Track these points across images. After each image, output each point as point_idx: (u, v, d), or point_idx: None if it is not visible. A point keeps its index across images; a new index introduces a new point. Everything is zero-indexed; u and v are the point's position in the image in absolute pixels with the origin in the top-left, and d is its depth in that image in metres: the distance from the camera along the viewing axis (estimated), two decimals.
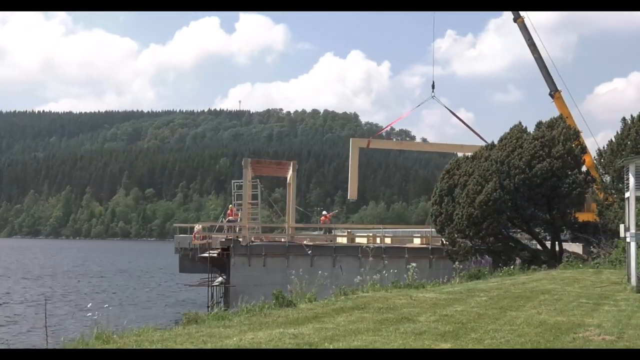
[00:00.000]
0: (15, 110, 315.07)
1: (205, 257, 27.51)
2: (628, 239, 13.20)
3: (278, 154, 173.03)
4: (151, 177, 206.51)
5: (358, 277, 13.25)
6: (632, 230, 12.87)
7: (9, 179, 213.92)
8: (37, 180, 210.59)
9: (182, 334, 7.52)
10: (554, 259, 22.72)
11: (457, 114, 40.48)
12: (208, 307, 26.23)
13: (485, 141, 35.26)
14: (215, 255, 27.51)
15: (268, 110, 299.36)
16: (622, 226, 13.91)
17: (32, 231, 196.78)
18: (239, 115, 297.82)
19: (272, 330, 7.77)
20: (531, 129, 25.64)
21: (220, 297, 29.07)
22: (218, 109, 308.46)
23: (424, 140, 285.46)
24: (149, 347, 6.83)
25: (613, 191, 22.93)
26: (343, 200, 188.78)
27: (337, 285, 12.37)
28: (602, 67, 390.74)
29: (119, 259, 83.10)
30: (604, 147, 24.01)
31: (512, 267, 18.99)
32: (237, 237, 27.52)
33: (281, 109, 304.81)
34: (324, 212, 37.34)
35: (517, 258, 21.38)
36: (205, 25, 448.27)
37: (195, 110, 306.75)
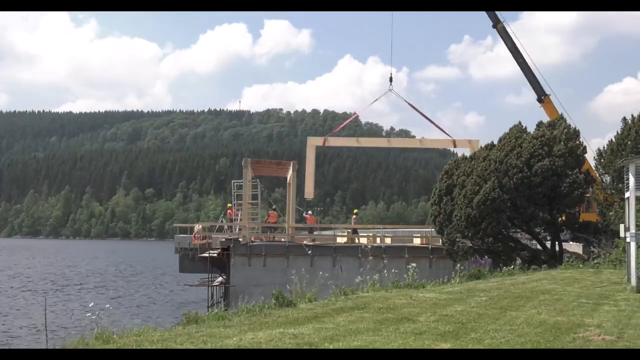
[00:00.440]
0: (15, 110, 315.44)
1: (205, 257, 27.49)
2: (628, 239, 13.19)
3: (278, 154, 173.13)
4: (151, 177, 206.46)
5: (358, 277, 13.26)
6: (632, 230, 12.87)
7: (9, 179, 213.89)
8: (37, 180, 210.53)
9: (182, 334, 7.52)
10: (554, 259, 22.71)
11: (418, 109, 40.22)
12: (208, 307, 26.21)
13: (450, 136, 35.48)
14: (215, 255, 27.50)
15: (268, 110, 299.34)
16: (622, 226, 13.91)
17: (32, 231, 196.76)
18: (239, 115, 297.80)
19: (272, 330, 7.77)
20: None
21: (220, 297, 29.05)
22: (218, 109, 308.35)
23: (424, 140, 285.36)
24: (149, 347, 6.83)
25: (613, 191, 22.92)
26: (343, 201, 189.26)
27: (337, 285, 12.37)
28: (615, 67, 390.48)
29: (119, 259, 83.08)
30: (604, 147, 24.01)
31: (512, 267, 18.99)
32: (237, 237, 27.52)
33: (281, 109, 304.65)
34: (309, 212, 37.39)
35: (517, 258, 21.39)
36: (230, 30, 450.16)
37: (195, 110, 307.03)
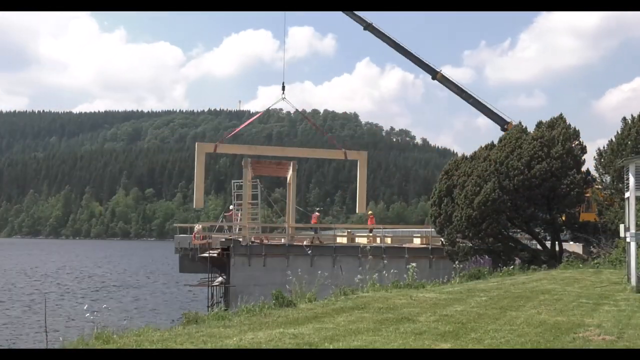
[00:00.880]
0: (15, 110, 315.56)
1: (205, 257, 27.49)
2: (628, 239, 13.20)
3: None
4: (151, 177, 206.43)
5: (358, 276, 13.26)
6: (632, 230, 12.87)
7: (9, 179, 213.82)
8: (37, 180, 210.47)
9: (182, 334, 7.52)
10: (554, 259, 22.72)
11: (308, 117, 40.96)
12: (208, 307, 26.22)
13: (341, 149, 35.59)
14: (215, 255, 27.50)
15: (268, 110, 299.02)
16: (622, 226, 13.91)
17: (32, 231, 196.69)
18: (239, 115, 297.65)
19: (272, 330, 7.77)
20: None
21: (220, 297, 29.05)
22: (218, 109, 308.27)
23: (424, 140, 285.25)
24: (149, 347, 6.83)
25: (613, 191, 22.93)
26: (343, 201, 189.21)
27: (337, 285, 12.36)
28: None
29: (119, 258, 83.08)
30: (604, 147, 24.02)
31: (512, 267, 19.00)
32: (238, 237, 27.53)
33: (281, 109, 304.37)
34: (317, 211, 37.35)
35: (517, 258, 21.38)
36: (255, 36, 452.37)
37: (195, 110, 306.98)
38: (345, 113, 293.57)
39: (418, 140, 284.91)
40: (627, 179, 13.44)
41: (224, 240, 27.80)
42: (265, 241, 28.66)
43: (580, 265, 19.88)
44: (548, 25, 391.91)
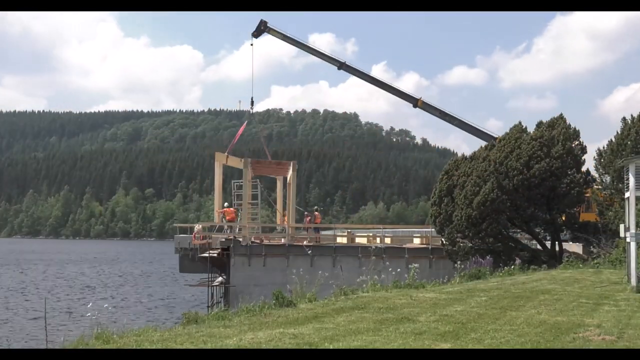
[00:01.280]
0: (15, 110, 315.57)
1: (205, 257, 27.47)
2: (628, 239, 13.20)
3: (278, 154, 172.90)
4: (151, 177, 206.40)
5: (360, 277, 13.26)
6: (632, 230, 12.88)
7: (9, 179, 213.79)
8: (37, 180, 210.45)
9: (182, 334, 7.52)
10: (554, 259, 22.73)
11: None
12: (208, 307, 26.22)
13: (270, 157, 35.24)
14: (215, 255, 27.49)
15: (268, 110, 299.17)
16: (622, 226, 13.92)
17: (31, 231, 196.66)
18: (239, 115, 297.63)
19: (272, 330, 7.77)
20: None
21: (220, 297, 29.04)
22: (218, 109, 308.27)
23: (424, 140, 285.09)
24: (149, 347, 6.84)
25: (613, 191, 22.94)
26: (343, 201, 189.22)
27: (337, 285, 12.36)
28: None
29: (119, 258, 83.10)
30: (604, 147, 24.03)
31: (512, 267, 19.00)
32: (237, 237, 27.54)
33: (281, 109, 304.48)
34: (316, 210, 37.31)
35: (517, 258, 21.39)
36: (273, 40, 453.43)
37: (195, 110, 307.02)
38: (345, 113, 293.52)
39: (418, 140, 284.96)
40: (627, 179, 13.45)
41: (224, 240, 27.80)
42: (265, 241, 28.66)
43: (580, 265, 19.89)
44: (563, 28, 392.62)
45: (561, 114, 25.79)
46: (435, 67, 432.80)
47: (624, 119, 23.71)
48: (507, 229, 24.76)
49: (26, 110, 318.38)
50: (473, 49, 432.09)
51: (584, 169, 24.97)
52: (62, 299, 36.56)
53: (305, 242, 28.18)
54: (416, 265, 15.27)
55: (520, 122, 26.01)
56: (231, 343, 6.97)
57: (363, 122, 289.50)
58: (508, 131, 26.02)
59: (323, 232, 33.80)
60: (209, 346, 6.84)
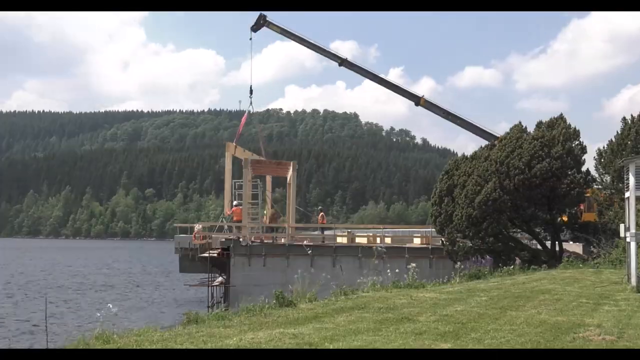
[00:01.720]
0: (15, 111, 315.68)
1: (205, 257, 27.49)
2: (628, 239, 13.20)
3: (278, 154, 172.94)
4: (151, 177, 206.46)
5: (361, 277, 13.26)
6: (632, 230, 12.88)
7: (9, 179, 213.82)
8: (37, 180, 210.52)
9: (182, 334, 7.52)
10: (554, 258, 22.72)
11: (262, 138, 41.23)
12: (208, 307, 26.22)
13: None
14: (215, 255, 27.50)
15: (268, 110, 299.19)
16: (622, 226, 13.92)
17: (32, 231, 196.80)
18: (239, 115, 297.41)
19: (272, 330, 7.77)
20: None
21: (220, 297, 29.05)
22: (218, 109, 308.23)
23: (424, 140, 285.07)
24: (149, 347, 6.84)
25: (613, 191, 22.94)
26: (343, 201, 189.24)
27: (338, 285, 12.36)
28: None
29: (119, 258, 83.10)
30: (604, 147, 24.04)
31: (512, 267, 19.00)
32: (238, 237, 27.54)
33: (281, 109, 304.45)
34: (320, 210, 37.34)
35: (517, 258, 21.40)
36: (297, 47, 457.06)
37: (195, 110, 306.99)
38: (345, 113, 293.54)
39: (418, 140, 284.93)
40: (627, 179, 13.45)
41: (224, 240, 27.81)
42: (266, 240, 28.66)
43: (581, 265, 19.89)
44: (579, 31, 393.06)
45: (561, 114, 25.79)
46: (447, 69, 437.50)
47: (624, 118, 23.72)
48: (507, 229, 24.76)
49: (26, 111, 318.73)
50: (489, 48, 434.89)
51: (584, 168, 24.99)
52: (62, 298, 36.54)
53: (305, 242, 28.17)
54: (414, 264, 15.25)
55: (520, 122, 26.03)
56: (231, 343, 6.97)
57: (363, 122, 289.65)
58: (509, 131, 26.02)
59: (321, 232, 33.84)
60: (209, 346, 6.84)
